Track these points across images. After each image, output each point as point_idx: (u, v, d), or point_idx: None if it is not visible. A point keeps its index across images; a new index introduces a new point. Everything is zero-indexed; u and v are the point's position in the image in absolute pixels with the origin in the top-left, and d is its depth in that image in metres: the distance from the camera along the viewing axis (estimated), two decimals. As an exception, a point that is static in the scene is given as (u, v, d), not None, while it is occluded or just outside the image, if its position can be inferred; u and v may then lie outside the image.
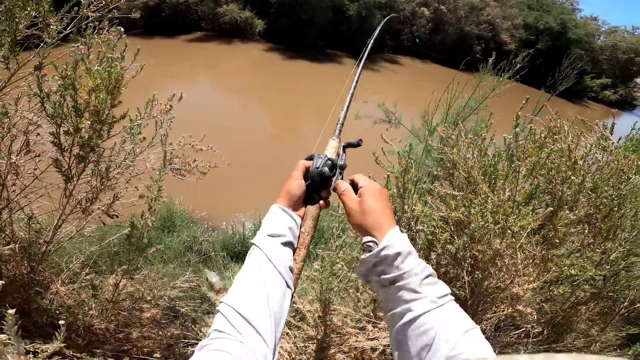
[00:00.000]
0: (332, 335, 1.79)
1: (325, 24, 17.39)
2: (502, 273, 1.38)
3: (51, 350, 0.91)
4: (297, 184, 0.71)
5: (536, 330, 1.66)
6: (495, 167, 1.23)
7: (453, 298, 0.58)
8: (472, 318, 1.57)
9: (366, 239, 0.61)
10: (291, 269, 0.64)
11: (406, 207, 1.39)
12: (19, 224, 1.57)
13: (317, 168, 0.71)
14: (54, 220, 1.50)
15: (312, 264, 1.83)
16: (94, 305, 1.61)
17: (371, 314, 1.85)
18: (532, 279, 1.34)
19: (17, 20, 0.87)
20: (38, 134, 1.38)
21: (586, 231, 1.54)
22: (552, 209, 1.20)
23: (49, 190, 1.46)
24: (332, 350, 1.78)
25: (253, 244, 0.64)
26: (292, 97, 11.77)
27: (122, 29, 1.11)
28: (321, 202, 0.73)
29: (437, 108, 3.02)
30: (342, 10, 17.72)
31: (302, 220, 0.71)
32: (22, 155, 1.42)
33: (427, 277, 0.58)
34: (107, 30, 1.10)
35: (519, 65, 3.10)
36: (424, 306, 0.54)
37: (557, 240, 1.28)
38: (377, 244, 0.59)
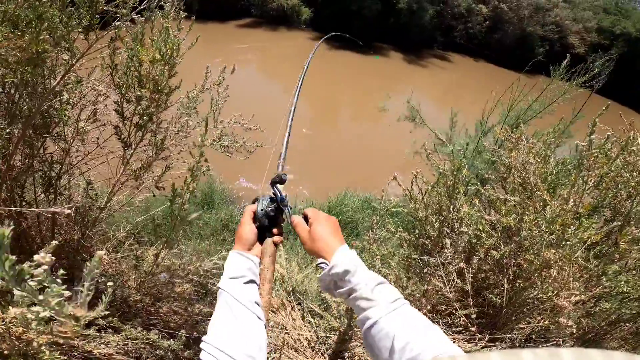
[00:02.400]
0: (356, 329, 1.79)
1: (373, 15, 17.00)
2: (547, 284, 1.30)
3: (93, 315, 0.96)
4: (249, 229, 0.78)
5: (567, 344, 1.57)
6: (557, 175, 1.15)
7: (406, 302, 0.62)
8: (503, 327, 1.51)
9: (318, 261, 0.68)
10: (258, 304, 0.70)
11: (452, 207, 1.34)
12: (76, 189, 1.67)
13: (262, 210, 0.79)
14: (109, 187, 1.58)
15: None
16: (133, 277, 1.67)
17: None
18: (579, 292, 1.26)
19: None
20: (105, 105, 1.48)
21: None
22: (619, 223, 1.10)
23: (110, 157, 1.55)
24: (353, 344, 1.76)
25: (219, 288, 0.70)
26: (334, 88, 11.70)
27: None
28: (275, 237, 0.80)
29: (493, 109, 2.86)
30: (391, 2, 17.21)
31: (260, 258, 0.78)
32: (89, 123, 1.52)
33: (377, 285, 0.63)
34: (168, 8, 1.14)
35: (596, 70, 2.83)
36: (379, 312, 0.60)
37: (617, 256, 1.18)
38: (327, 264, 0.66)
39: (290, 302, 2.11)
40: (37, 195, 1.53)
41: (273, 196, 0.83)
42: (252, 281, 0.73)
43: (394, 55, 16.55)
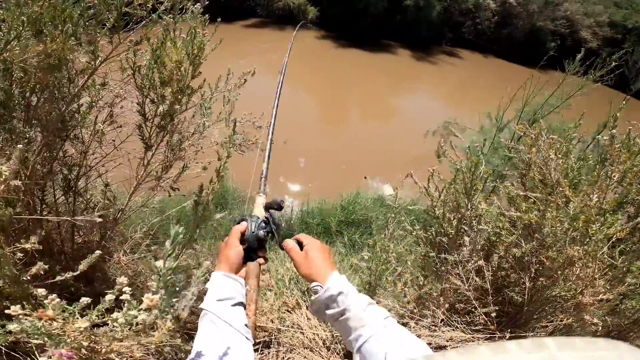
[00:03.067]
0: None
1: (380, 13, 16.88)
2: (571, 282, 1.28)
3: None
4: (235, 252, 0.78)
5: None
6: (579, 171, 1.13)
7: (394, 320, 0.67)
8: (524, 325, 1.49)
9: (313, 284, 0.72)
10: (247, 325, 0.70)
11: (469, 204, 1.32)
12: (93, 191, 1.69)
13: (253, 232, 0.80)
14: (128, 188, 1.60)
15: (361, 254, 1.82)
16: (152, 277, 1.68)
17: (415, 310, 1.81)
18: (604, 290, 1.23)
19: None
20: (122, 106, 1.50)
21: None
22: (645, 220, 1.08)
23: (130, 158, 1.57)
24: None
25: (203, 309, 0.69)
26: (342, 87, 11.67)
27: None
28: (260, 259, 0.81)
29: (509, 105, 2.83)
30: (398, -1, 17.07)
31: (245, 279, 0.78)
32: (106, 125, 1.54)
33: (368, 305, 0.67)
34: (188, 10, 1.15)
35: (613, 64, 2.79)
36: (370, 330, 0.63)
37: (643, 253, 1.16)
38: (322, 287, 0.69)
39: (305, 301, 2.11)
40: (56, 198, 1.55)
41: (266, 219, 0.83)
42: (239, 303, 0.72)
43: (402, 53, 16.42)
